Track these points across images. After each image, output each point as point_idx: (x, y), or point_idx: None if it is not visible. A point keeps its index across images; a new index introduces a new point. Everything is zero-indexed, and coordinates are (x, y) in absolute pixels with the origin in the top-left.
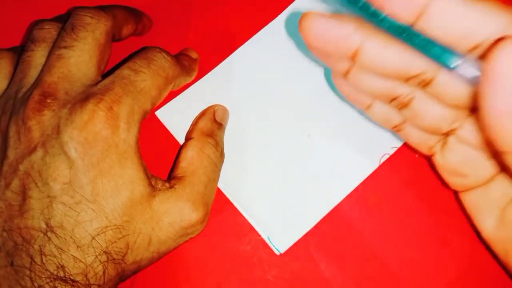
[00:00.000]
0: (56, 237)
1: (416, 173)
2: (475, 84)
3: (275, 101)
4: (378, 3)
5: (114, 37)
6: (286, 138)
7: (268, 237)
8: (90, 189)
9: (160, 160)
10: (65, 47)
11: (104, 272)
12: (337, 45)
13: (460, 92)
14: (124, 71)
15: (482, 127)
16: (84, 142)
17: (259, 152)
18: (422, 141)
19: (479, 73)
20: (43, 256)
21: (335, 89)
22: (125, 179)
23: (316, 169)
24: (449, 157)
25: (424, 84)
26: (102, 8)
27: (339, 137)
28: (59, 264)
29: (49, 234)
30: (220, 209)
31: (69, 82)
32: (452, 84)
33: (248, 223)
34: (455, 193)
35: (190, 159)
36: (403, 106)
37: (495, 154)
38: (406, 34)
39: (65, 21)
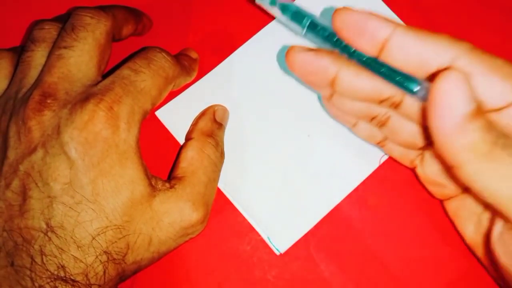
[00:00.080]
0: (57, 237)
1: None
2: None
3: (275, 101)
4: (347, 39)
5: (114, 37)
6: (286, 138)
7: (268, 237)
8: (91, 189)
9: (160, 160)
10: (65, 47)
11: (104, 272)
12: (317, 75)
13: None
14: (124, 71)
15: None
16: (84, 142)
17: (259, 152)
18: (403, 155)
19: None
20: (43, 256)
21: None
22: (125, 179)
23: (316, 169)
24: (427, 169)
25: (395, 106)
26: (102, 8)
27: (339, 137)
28: (60, 264)
29: (49, 234)
30: (220, 209)
31: (69, 82)
32: (417, 105)
33: (248, 223)
34: (441, 202)
35: (190, 159)
36: (381, 124)
37: (447, 168)
38: (373, 65)
39: (65, 21)
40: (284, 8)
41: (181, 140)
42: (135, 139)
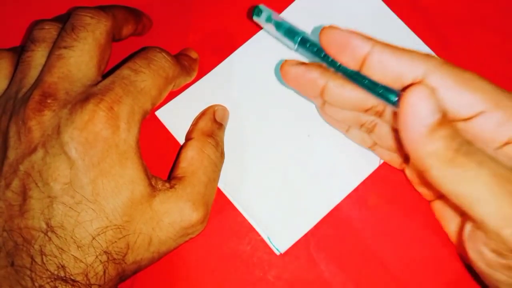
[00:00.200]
0: (57, 237)
1: None
2: None
3: (275, 101)
4: (332, 54)
5: (114, 37)
6: (286, 138)
7: (268, 237)
8: (91, 189)
9: (160, 160)
10: (65, 47)
11: (104, 272)
12: (308, 86)
13: None
14: (124, 71)
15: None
16: (84, 142)
17: (259, 152)
18: (392, 159)
19: None
20: (43, 256)
21: None
22: (125, 179)
23: (316, 169)
24: (413, 171)
25: (379, 114)
26: (102, 8)
27: (339, 137)
28: (60, 264)
29: (49, 234)
30: (220, 209)
31: (69, 82)
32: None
33: (248, 223)
34: (429, 203)
35: (190, 159)
36: (370, 131)
37: (420, 172)
38: (356, 77)
39: (65, 21)
40: (278, 26)
41: (181, 140)
42: (135, 139)
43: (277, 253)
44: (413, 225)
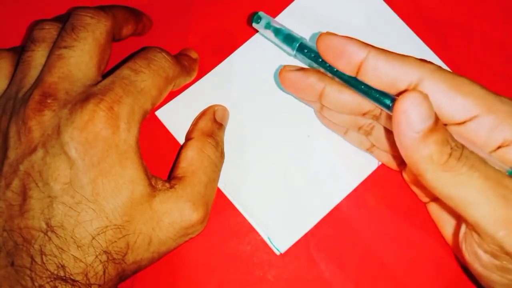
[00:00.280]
0: (57, 237)
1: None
2: None
3: (275, 101)
4: (329, 60)
5: (114, 37)
6: (286, 138)
7: (268, 237)
8: (91, 189)
9: (160, 160)
10: (65, 47)
11: (104, 272)
12: (306, 91)
13: None
14: (124, 71)
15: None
16: (84, 142)
17: (259, 152)
18: (390, 160)
19: None
20: (43, 256)
21: None
22: (125, 179)
23: (316, 170)
24: (410, 173)
25: (376, 118)
26: (102, 8)
27: (339, 137)
28: (60, 263)
29: (49, 234)
30: (220, 209)
31: (69, 82)
32: None
33: (248, 223)
34: (424, 205)
35: (190, 159)
36: (367, 133)
37: (415, 175)
38: (353, 83)
39: (65, 21)
40: (277, 32)
41: (181, 140)
42: (135, 139)
43: (277, 253)
44: (412, 225)
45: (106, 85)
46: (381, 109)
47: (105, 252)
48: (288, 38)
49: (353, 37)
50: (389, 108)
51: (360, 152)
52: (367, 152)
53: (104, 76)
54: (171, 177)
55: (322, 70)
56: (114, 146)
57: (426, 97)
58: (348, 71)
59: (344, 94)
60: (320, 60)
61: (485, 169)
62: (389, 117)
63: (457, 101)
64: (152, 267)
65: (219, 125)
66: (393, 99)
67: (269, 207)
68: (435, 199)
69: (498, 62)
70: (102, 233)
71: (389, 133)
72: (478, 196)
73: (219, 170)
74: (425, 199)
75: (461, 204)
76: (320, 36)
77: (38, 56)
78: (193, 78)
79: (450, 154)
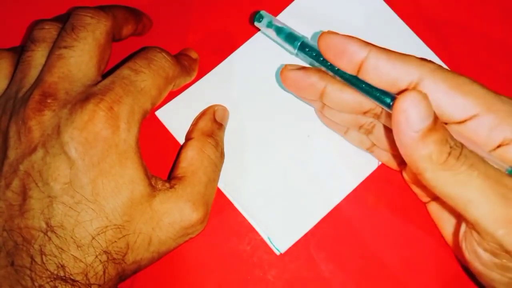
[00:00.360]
0: (57, 237)
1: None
2: None
3: (275, 101)
4: (330, 59)
5: (114, 37)
6: (286, 138)
7: (268, 237)
8: (91, 189)
9: (160, 160)
10: (65, 47)
11: (104, 272)
12: (307, 90)
13: None
14: (124, 71)
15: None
16: (84, 142)
17: (259, 152)
18: (390, 160)
19: None
20: (43, 256)
21: None
22: (125, 179)
23: (316, 169)
24: (409, 173)
25: (377, 116)
26: (102, 8)
27: (339, 137)
28: (60, 263)
29: (49, 234)
30: (220, 209)
31: (69, 82)
32: None
33: (248, 223)
34: (424, 204)
35: (190, 159)
36: (368, 132)
37: (415, 174)
38: (354, 81)
39: (65, 21)
40: (278, 31)
41: (181, 140)
42: (135, 139)
43: (277, 253)
44: (412, 225)
45: (106, 85)
46: (382, 108)
47: (105, 252)
48: (290, 37)
49: (354, 36)
50: (390, 106)
51: (360, 152)
52: (367, 151)
53: (104, 76)
54: (171, 177)
55: (323, 69)
56: (114, 146)
57: (425, 96)
58: (349, 70)
59: (345, 93)
60: (322, 59)
61: (485, 168)
62: (390, 116)
63: (457, 100)
64: (152, 267)
65: (219, 125)
66: (394, 98)
67: (269, 207)
68: (435, 198)
69: (498, 62)
70: (102, 233)
71: (389, 131)
72: (477, 194)
73: (219, 170)
74: (425, 198)
75: (460, 203)
76: (321, 35)
77: (38, 56)
78: (193, 78)
79: (449, 153)
